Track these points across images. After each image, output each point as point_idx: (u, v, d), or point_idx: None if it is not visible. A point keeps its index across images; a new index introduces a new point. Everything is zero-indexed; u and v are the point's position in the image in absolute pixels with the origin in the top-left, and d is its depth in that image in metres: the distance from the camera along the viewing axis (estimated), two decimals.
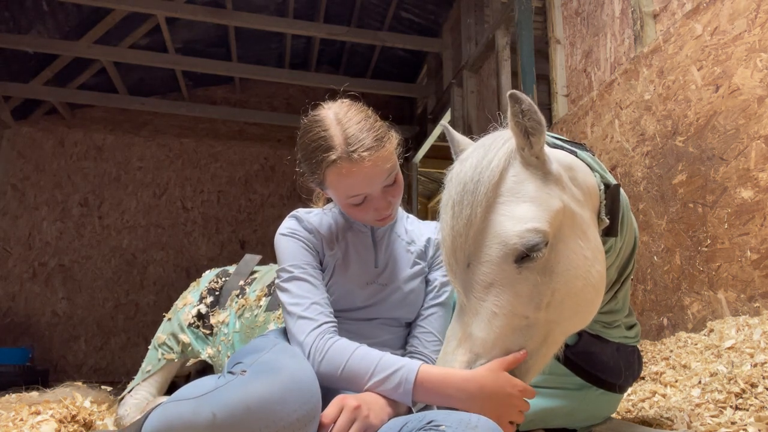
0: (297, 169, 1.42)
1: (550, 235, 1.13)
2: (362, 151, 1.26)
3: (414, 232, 1.55)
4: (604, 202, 1.28)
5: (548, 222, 1.13)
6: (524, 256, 1.11)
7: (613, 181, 1.33)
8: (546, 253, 1.12)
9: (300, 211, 1.50)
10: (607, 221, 1.27)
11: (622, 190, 1.34)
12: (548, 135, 1.27)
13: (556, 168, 1.21)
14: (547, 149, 1.23)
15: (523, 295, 1.12)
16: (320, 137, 1.30)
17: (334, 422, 1.06)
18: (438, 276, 1.50)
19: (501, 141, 1.23)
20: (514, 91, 1.15)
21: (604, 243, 1.27)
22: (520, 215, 1.13)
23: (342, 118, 1.31)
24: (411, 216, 1.63)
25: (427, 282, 1.50)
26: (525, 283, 1.12)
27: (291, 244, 1.41)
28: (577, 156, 1.33)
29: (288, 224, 1.45)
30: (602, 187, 1.29)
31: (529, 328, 1.12)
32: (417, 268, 1.47)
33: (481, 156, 1.20)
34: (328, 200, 1.57)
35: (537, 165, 1.19)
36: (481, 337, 1.10)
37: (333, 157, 1.26)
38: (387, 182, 1.33)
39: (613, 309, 1.42)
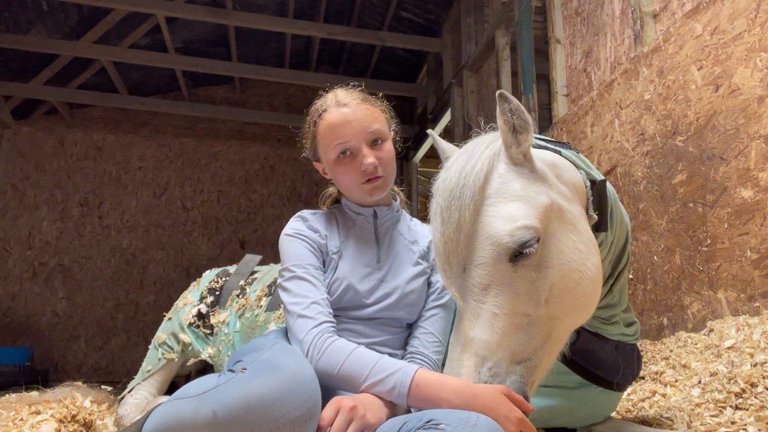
0: (303, 155, 1.56)
1: (540, 230, 1.14)
2: (348, 100, 1.43)
3: (417, 232, 1.57)
4: (591, 198, 1.29)
5: (537, 218, 1.14)
6: (518, 254, 1.12)
7: (598, 177, 1.34)
8: (538, 249, 1.13)
9: (305, 212, 1.53)
10: (596, 217, 1.28)
11: (609, 185, 1.35)
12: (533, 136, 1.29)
13: (541, 166, 1.23)
14: (531, 150, 1.25)
15: (521, 293, 1.13)
16: (317, 106, 1.48)
17: (332, 424, 1.07)
18: (440, 278, 1.50)
19: (483, 145, 1.25)
20: (502, 90, 1.19)
21: (595, 238, 1.27)
22: (509, 214, 1.14)
23: (338, 92, 1.47)
24: (415, 219, 1.66)
25: (429, 284, 1.51)
26: (522, 281, 1.13)
27: (295, 244, 1.43)
28: (561, 155, 1.34)
29: (293, 225, 1.48)
30: (588, 183, 1.31)
31: (531, 326, 1.13)
32: (419, 268, 1.48)
33: (464, 161, 1.22)
34: (333, 202, 1.59)
35: (523, 163, 1.21)
36: (485, 339, 1.10)
37: (324, 108, 1.44)
38: (372, 137, 1.41)
39: (610, 303, 1.43)
